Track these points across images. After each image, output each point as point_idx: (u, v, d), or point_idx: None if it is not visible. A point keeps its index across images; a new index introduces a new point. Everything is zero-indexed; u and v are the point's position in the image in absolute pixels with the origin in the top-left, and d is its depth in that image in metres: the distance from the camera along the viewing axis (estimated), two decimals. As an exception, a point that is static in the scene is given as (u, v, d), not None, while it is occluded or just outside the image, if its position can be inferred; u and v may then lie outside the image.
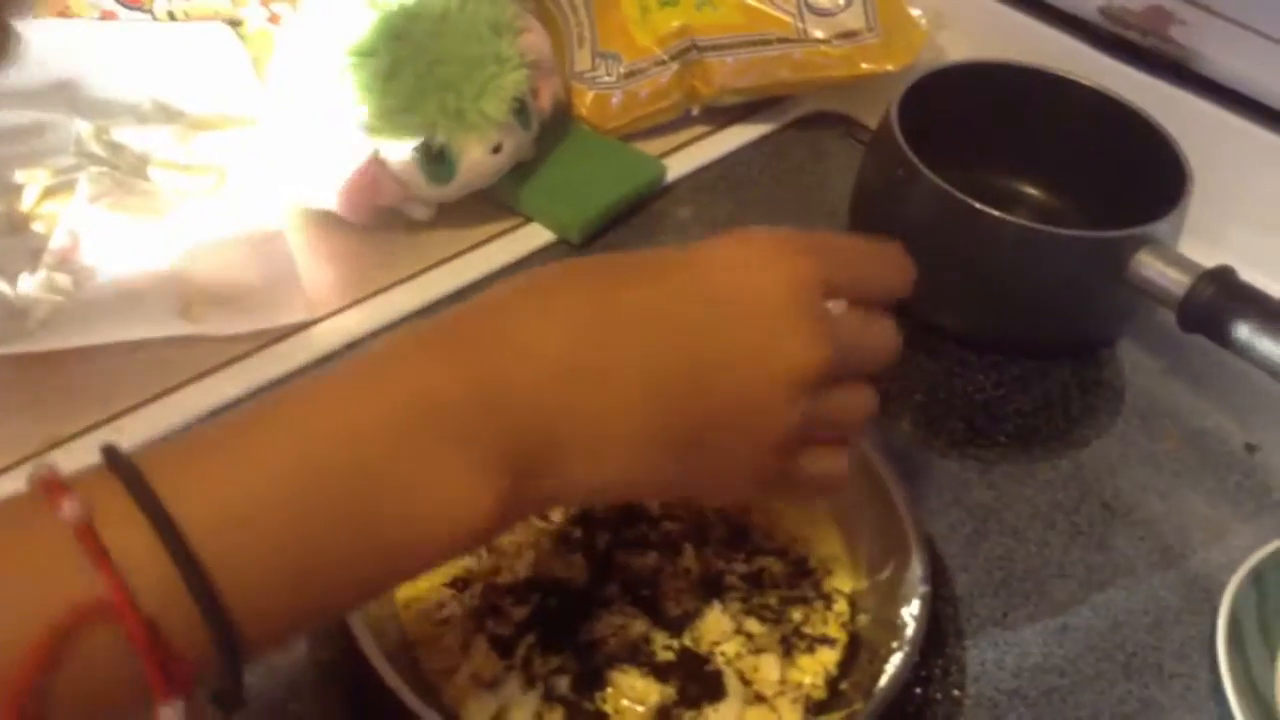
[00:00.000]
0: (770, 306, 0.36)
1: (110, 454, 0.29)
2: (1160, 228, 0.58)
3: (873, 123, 0.65)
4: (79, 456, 0.49)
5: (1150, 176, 0.61)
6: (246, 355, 0.56)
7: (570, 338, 0.34)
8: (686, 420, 0.35)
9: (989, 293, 0.60)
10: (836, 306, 0.39)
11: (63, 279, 0.56)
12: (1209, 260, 0.57)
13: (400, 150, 0.60)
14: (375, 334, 0.58)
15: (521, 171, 0.66)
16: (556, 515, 0.47)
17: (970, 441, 0.57)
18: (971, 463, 0.56)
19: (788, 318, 0.36)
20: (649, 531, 0.48)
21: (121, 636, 0.26)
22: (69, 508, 0.27)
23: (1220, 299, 0.55)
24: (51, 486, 0.27)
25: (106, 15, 0.71)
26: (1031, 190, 0.69)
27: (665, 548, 0.47)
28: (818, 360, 0.36)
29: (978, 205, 0.57)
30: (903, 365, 0.59)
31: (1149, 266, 0.57)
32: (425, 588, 0.44)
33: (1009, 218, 0.57)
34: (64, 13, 0.72)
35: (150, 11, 0.71)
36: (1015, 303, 0.60)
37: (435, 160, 0.61)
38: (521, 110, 0.64)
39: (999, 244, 0.58)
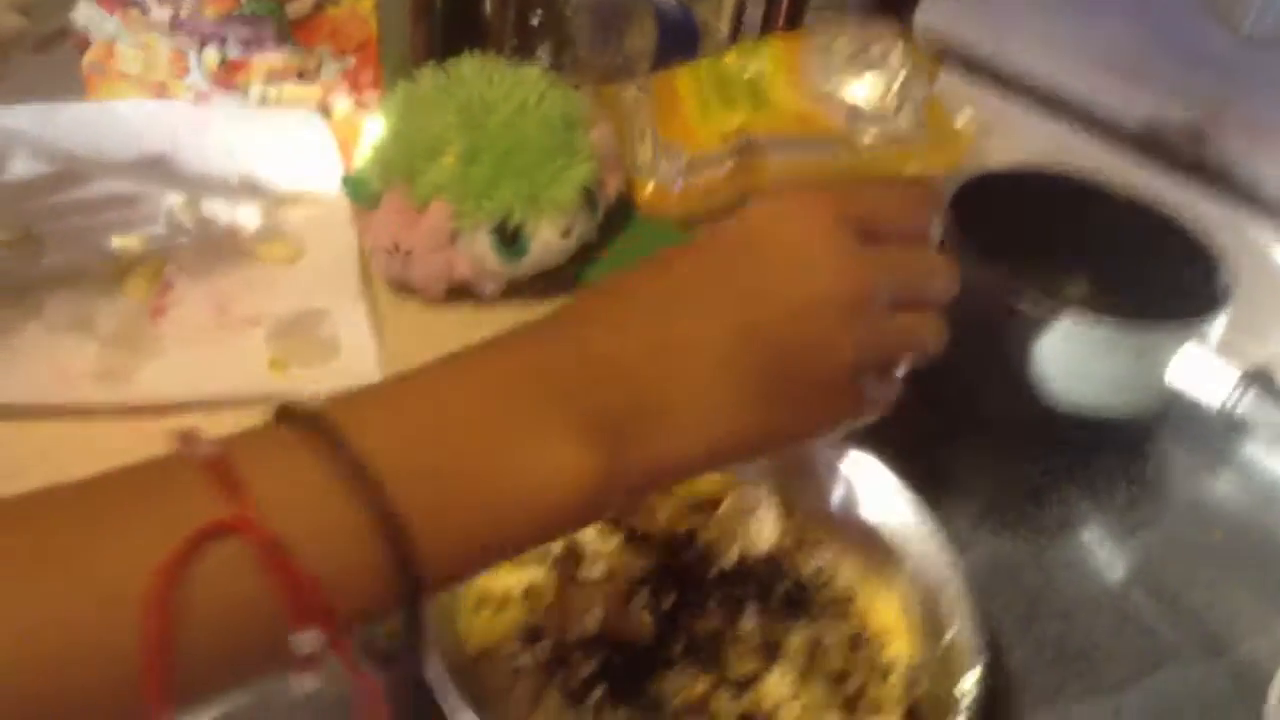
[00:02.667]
0: (800, 249, 0.38)
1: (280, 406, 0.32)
2: (1201, 328, 0.60)
3: (919, 220, 0.68)
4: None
5: (1192, 280, 0.64)
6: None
7: (648, 318, 0.37)
8: (767, 373, 0.37)
9: (1033, 383, 0.62)
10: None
11: (154, 339, 0.60)
12: (1249, 362, 0.59)
13: (477, 230, 0.64)
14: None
15: (585, 253, 0.70)
16: (621, 575, 0.49)
17: (1020, 523, 0.59)
18: (1023, 545, 0.57)
19: (817, 255, 0.38)
20: (712, 592, 0.49)
21: (250, 553, 0.27)
22: (206, 447, 0.29)
23: (1261, 400, 0.57)
24: (189, 438, 0.30)
25: (201, 98, 0.76)
26: (1076, 290, 0.71)
27: (728, 608, 0.49)
28: (850, 287, 0.38)
29: (1024, 298, 0.60)
30: (954, 450, 0.62)
31: (1190, 365, 0.59)
32: (499, 638, 0.46)
33: (1052, 311, 0.60)
34: (161, 94, 0.76)
35: (244, 94, 0.76)
36: (1058, 394, 0.62)
37: (510, 240, 0.64)
38: (589, 198, 0.67)
39: (1043, 336, 0.61)
